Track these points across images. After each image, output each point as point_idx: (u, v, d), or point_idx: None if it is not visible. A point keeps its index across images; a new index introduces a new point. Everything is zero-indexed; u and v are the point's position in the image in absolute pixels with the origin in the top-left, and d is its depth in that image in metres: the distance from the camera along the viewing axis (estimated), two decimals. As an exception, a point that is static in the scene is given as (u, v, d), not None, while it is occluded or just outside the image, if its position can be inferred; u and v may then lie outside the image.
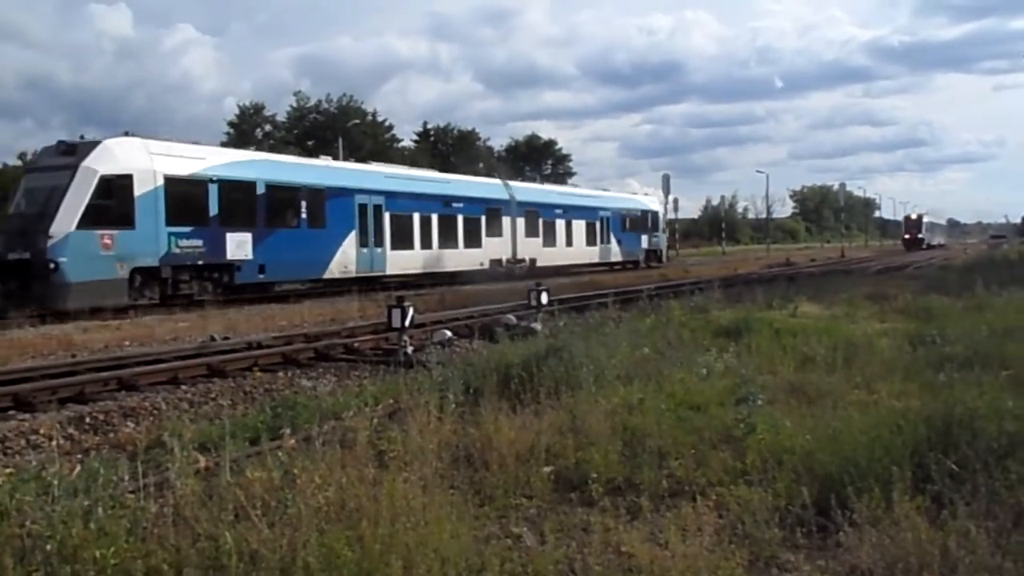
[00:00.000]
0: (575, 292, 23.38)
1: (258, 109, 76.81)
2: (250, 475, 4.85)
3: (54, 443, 7.51)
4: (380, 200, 29.09)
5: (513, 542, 4.78)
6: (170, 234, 21.61)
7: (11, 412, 9.28)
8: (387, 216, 29.33)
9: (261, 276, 24.41)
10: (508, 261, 36.06)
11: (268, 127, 76.66)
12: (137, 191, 20.85)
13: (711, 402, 7.57)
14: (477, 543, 4.51)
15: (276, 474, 4.87)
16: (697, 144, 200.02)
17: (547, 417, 6.98)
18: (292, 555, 3.91)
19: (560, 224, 40.60)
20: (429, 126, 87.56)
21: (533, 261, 37.42)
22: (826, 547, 4.63)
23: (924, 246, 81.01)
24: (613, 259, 45.02)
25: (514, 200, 37.29)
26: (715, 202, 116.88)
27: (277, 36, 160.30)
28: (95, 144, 20.98)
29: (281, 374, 11.74)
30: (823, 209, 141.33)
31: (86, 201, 19.73)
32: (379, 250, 28.96)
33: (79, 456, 7.06)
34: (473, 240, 33.90)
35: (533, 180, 59.82)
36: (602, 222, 44.09)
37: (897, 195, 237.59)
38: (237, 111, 76.70)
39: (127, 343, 15.03)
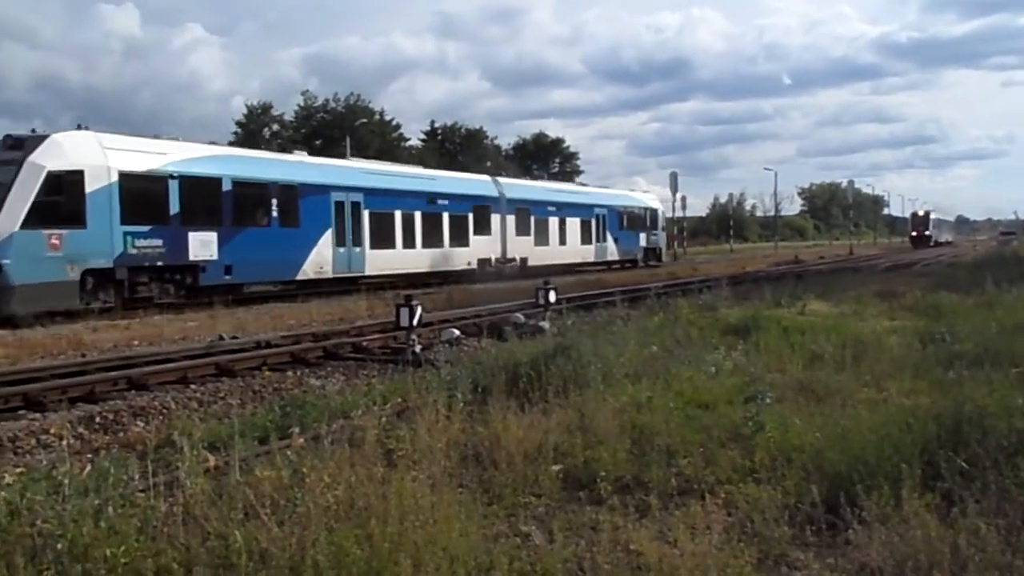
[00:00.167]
0: (582, 291, 23.35)
1: (266, 108, 77.07)
2: (259, 474, 4.87)
3: (64, 443, 7.56)
4: (358, 197, 27.92)
5: (522, 540, 4.78)
6: (126, 233, 20.39)
7: (22, 412, 9.32)
8: (366, 214, 28.14)
9: (228, 277, 23.24)
10: (497, 261, 34.94)
11: (276, 126, 76.92)
12: (89, 188, 19.62)
13: (720, 400, 7.56)
14: (486, 541, 4.52)
15: (285, 473, 4.89)
16: (705, 142, 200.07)
17: (555, 416, 6.98)
18: (301, 554, 3.93)
19: (553, 222, 39.40)
20: (436, 125, 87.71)
21: (524, 261, 36.26)
22: (836, 545, 4.62)
23: (932, 243, 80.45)
24: (609, 258, 43.73)
25: (504, 197, 36.16)
26: (723, 200, 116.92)
27: (285, 35, 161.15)
28: (43, 138, 19.70)
29: (290, 373, 11.76)
30: (831, 207, 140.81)
31: (31, 199, 18.54)
32: (357, 250, 27.77)
33: (89, 455, 7.10)
34: (460, 239, 32.70)
35: (541, 179, 59.11)
36: (598, 220, 42.74)
37: (906, 192, 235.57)
38: (245, 110, 77.14)
39: (136, 343, 15.09)
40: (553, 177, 69.89)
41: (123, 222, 20.34)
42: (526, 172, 71.42)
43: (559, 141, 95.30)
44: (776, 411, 6.89)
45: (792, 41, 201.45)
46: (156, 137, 23.56)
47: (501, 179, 39.05)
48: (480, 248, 33.98)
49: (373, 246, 28.37)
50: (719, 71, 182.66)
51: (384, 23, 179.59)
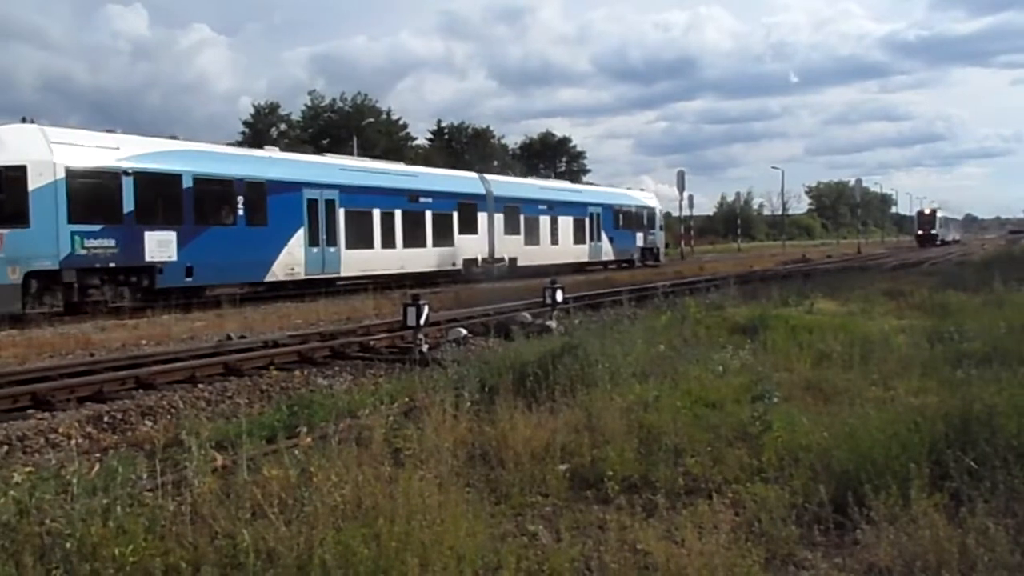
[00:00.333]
0: (589, 290, 23.35)
1: (273, 108, 77.38)
2: (267, 473, 4.89)
3: (73, 442, 7.62)
4: (333, 195, 26.68)
5: (529, 540, 4.78)
6: (73, 233, 19.20)
7: (30, 411, 9.36)
8: (341, 212, 26.86)
9: (188, 279, 22.03)
10: (485, 260, 33.79)
11: (283, 126, 77.19)
12: (32, 184, 18.49)
13: (727, 399, 7.55)
14: (493, 541, 4.51)
15: (293, 472, 4.90)
16: (712, 140, 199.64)
17: (563, 415, 6.98)
18: (309, 553, 3.93)
19: (544, 221, 38.03)
20: (443, 124, 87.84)
21: (513, 261, 35.12)
22: (843, 545, 4.60)
23: (938, 242, 79.56)
24: (604, 258, 42.62)
25: (491, 195, 34.85)
26: (730, 199, 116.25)
27: (292, 35, 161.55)
28: None
29: (297, 372, 11.78)
30: (839, 205, 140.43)
31: None
32: (332, 250, 26.50)
33: (97, 455, 7.13)
34: (444, 238, 31.41)
35: (548, 177, 58.74)
36: (592, 218, 41.52)
37: (914, 191, 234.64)
38: (252, 110, 77.60)
39: (144, 342, 15.14)
40: (560, 176, 69.78)
41: (71, 221, 19.22)
42: (533, 171, 71.36)
43: (566, 140, 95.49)
44: (784, 410, 6.86)
45: (800, 39, 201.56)
46: (109, 131, 22.16)
47: (489, 176, 37.94)
48: (466, 248, 32.80)
49: (349, 246, 27.16)
50: (727, 69, 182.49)
51: (391, 23, 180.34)
